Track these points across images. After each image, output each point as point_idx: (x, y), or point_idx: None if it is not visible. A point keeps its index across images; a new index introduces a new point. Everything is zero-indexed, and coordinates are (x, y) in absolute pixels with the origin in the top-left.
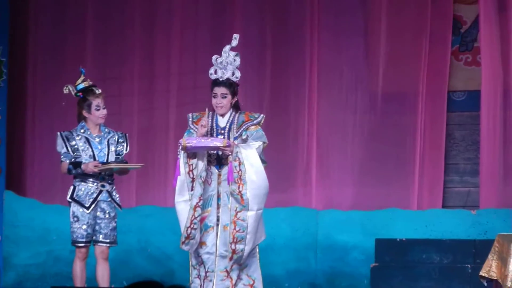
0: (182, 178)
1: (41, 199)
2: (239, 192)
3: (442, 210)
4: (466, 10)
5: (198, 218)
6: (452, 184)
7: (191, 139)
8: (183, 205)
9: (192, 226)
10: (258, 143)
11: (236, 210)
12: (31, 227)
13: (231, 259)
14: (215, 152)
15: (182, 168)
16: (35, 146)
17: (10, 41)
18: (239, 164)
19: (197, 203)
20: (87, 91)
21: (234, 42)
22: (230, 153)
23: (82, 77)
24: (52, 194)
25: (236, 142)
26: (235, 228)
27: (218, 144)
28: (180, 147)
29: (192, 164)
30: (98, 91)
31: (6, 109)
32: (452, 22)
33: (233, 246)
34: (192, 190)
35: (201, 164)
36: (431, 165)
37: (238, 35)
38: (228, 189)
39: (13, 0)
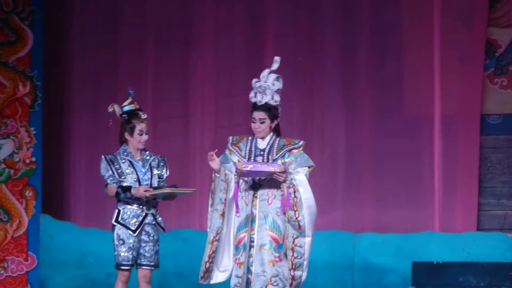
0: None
1: (77, 222)
2: (296, 218)
3: (478, 233)
4: (501, 33)
5: (215, 253)
6: (489, 207)
7: (248, 164)
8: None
9: (210, 260)
10: (305, 169)
11: (293, 236)
12: (67, 251)
13: (291, 285)
14: (252, 179)
15: (217, 188)
16: (70, 169)
17: (45, 65)
18: (294, 192)
19: (214, 237)
20: (132, 114)
21: (275, 65)
22: (284, 179)
23: (129, 99)
24: (88, 217)
25: None
26: (293, 255)
27: (275, 169)
28: (235, 171)
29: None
30: (144, 116)
31: (42, 132)
32: (487, 45)
33: (292, 273)
34: (225, 205)
35: (223, 196)
36: (466, 188)
37: (279, 57)
38: (265, 209)
39: (48, 23)
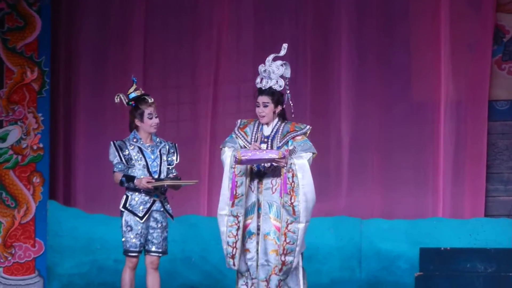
0: (225, 193)
1: (84, 208)
2: (291, 203)
3: (486, 219)
4: (509, 19)
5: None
6: (497, 193)
7: (247, 152)
8: (221, 219)
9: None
10: (308, 155)
11: (287, 222)
12: (75, 237)
13: (280, 270)
14: (257, 166)
15: (227, 183)
16: (78, 155)
17: (53, 51)
18: (292, 176)
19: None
20: (139, 100)
21: (283, 52)
22: (284, 165)
23: (134, 86)
24: (95, 203)
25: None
26: (285, 240)
27: (274, 156)
28: (234, 160)
29: (237, 182)
30: (151, 100)
31: (49, 118)
32: (495, 31)
33: (283, 258)
34: (232, 206)
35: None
36: (473, 174)
37: (287, 44)
38: (270, 198)
39: (56, 9)
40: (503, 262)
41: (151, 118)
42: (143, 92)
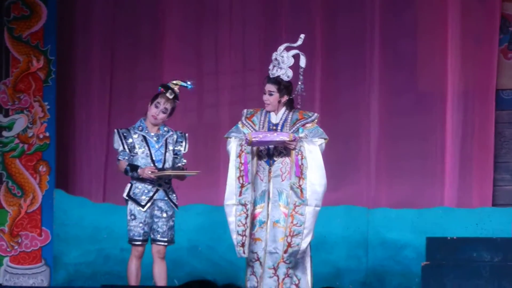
0: (231, 182)
1: (91, 197)
2: (299, 186)
3: (492, 208)
4: None
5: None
6: (503, 182)
7: (258, 134)
8: (228, 209)
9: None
10: (320, 141)
11: (295, 204)
12: (81, 226)
13: (286, 252)
14: (267, 147)
15: (233, 173)
16: (84, 144)
17: (58, 40)
18: (302, 158)
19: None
20: (166, 89)
21: (299, 42)
22: (294, 147)
23: (187, 85)
24: (102, 192)
25: None
26: (292, 222)
27: (285, 138)
28: (245, 141)
29: (242, 170)
30: (170, 96)
31: (55, 107)
32: (501, 21)
33: (289, 240)
34: (240, 195)
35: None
36: (480, 163)
37: (304, 35)
38: (279, 185)
39: None
40: (509, 251)
41: (156, 107)
42: (176, 90)
